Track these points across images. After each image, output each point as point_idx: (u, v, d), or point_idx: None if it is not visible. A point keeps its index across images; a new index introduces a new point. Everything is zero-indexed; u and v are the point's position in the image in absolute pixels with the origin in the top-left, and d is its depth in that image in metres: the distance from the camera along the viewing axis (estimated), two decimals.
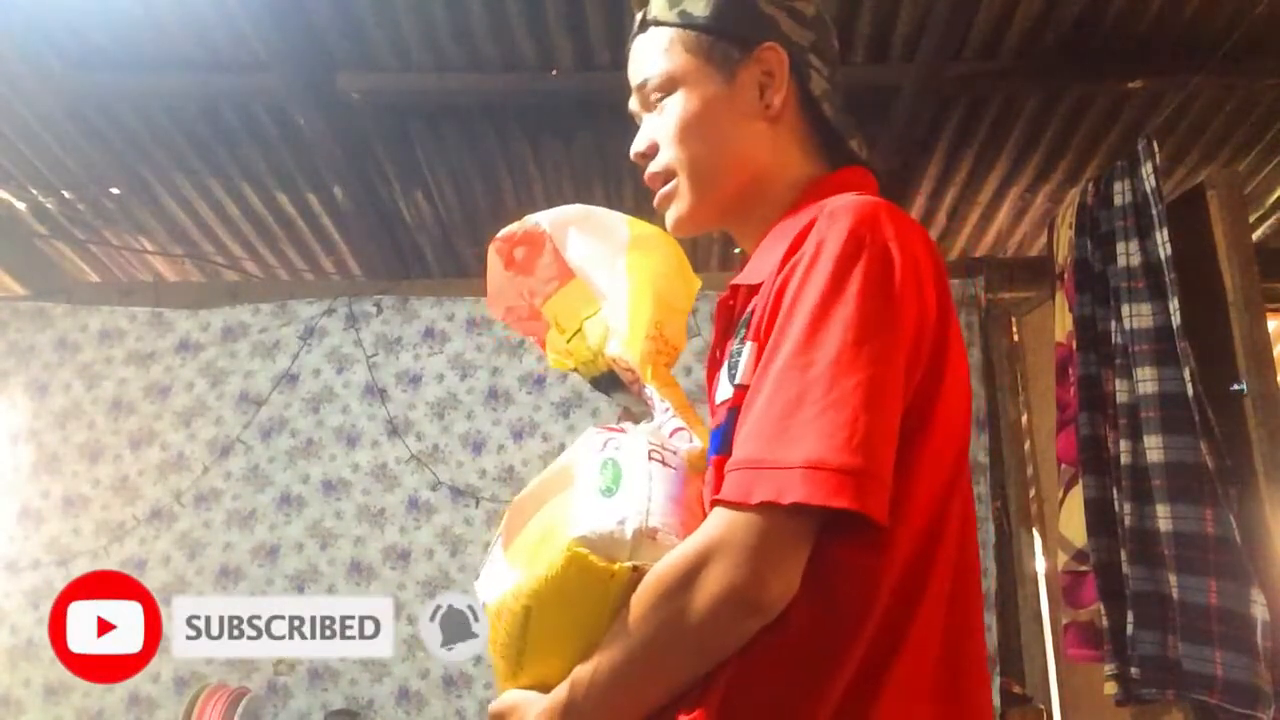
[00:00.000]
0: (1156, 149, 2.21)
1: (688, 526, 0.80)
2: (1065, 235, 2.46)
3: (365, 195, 3.05)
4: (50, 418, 3.12)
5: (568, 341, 1.04)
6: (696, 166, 0.94)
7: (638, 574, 0.77)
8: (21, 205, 3.19)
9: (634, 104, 1.00)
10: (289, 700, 2.92)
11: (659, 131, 0.96)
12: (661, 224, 1.02)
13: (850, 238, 0.77)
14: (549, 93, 2.71)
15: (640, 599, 0.76)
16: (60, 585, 2.94)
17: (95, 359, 3.16)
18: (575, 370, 1.05)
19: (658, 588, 0.75)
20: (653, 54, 0.95)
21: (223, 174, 3.09)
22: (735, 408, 0.80)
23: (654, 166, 0.97)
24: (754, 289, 0.85)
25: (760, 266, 0.86)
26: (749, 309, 0.84)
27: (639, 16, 0.98)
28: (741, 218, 0.97)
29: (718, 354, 0.91)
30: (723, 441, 0.80)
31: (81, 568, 2.99)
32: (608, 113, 2.80)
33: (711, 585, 0.72)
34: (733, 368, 0.82)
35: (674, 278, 1.05)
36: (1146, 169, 2.20)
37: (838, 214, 0.79)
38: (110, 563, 2.99)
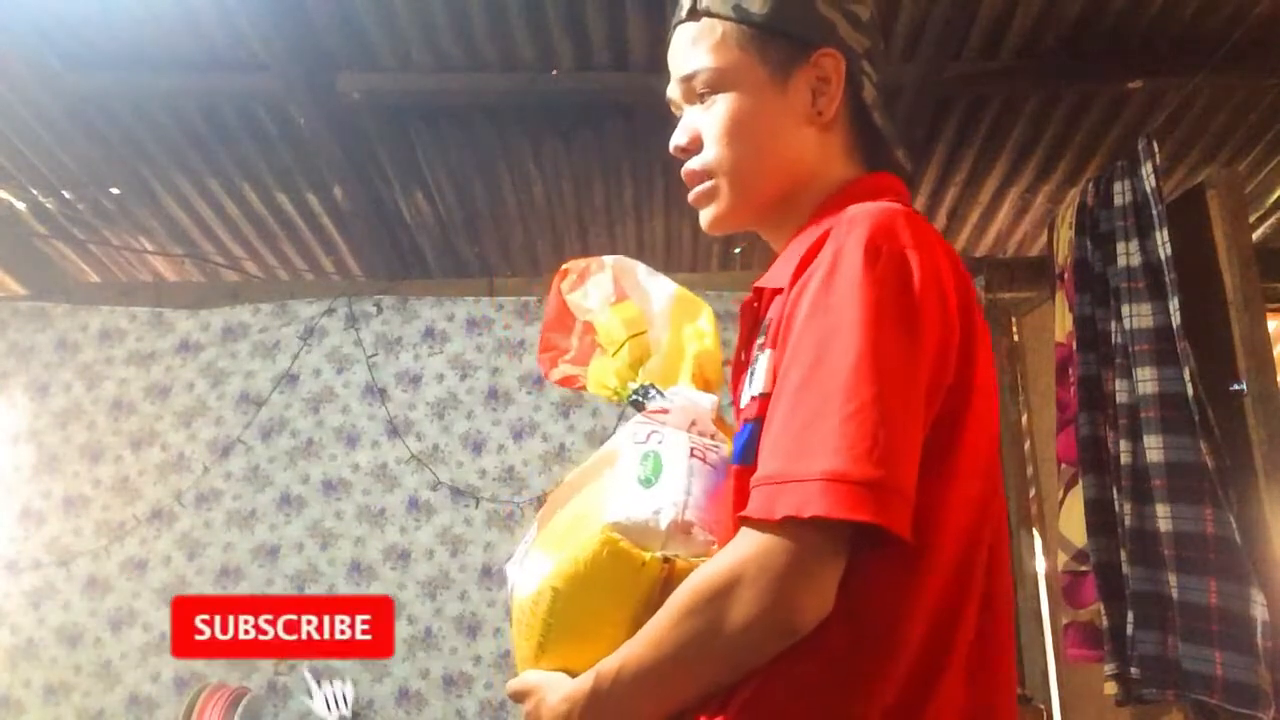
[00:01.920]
0: (1156, 149, 2.20)
1: (724, 525, 0.80)
2: (1065, 235, 2.46)
3: (365, 195, 3.05)
4: (51, 418, 3.12)
5: (613, 354, 1.06)
6: (740, 170, 0.91)
7: (669, 565, 0.78)
8: (21, 205, 3.19)
9: (674, 92, 0.96)
10: (289, 700, 2.92)
11: (705, 128, 0.92)
12: (688, 220, 1.03)
13: (868, 245, 0.75)
14: (549, 93, 2.70)
15: (673, 609, 0.75)
16: (61, 585, 2.96)
17: (95, 359, 3.16)
18: (615, 393, 1.06)
19: (690, 601, 0.74)
20: (703, 46, 0.91)
21: (223, 174, 3.09)
22: (754, 419, 0.79)
23: (694, 164, 0.93)
24: (776, 292, 0.84)
25: (782, 270, 0.85)
26: (769, 315, 0.83)
27: (686, 4, 0.94)
28: (777, 221, 0.95)
29: (743, 356, 0.90)
30: (744, 452, 0.79)
31: (82, 568, 2.99)
32: (608, 113, 2.80)
33: (743, 608, 0.71)
34: (753, 374, 0.82)
35: (708, 329, 1.07)
36: (1146, 169, 2.20)
37: (855, 221, 0.77)
38: (111, 563, 3.00)
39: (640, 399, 1.00)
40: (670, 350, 1.03)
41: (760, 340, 0.83)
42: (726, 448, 0.90)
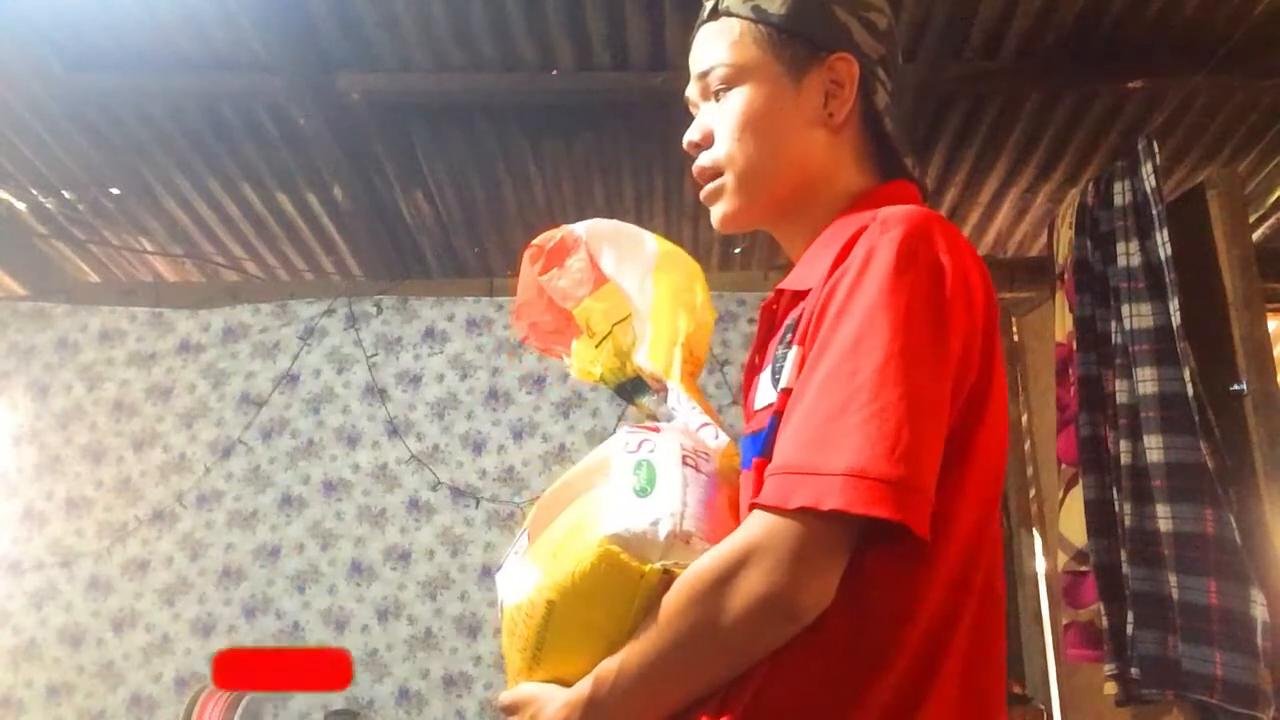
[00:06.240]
0: (1156, 149, 2.20)
1: (718, 534, 0.79)
2: (1065, 235, 2.46)
3: (365, 195, 3.05)
4: (52, 419, 3.12)
5: (597, 346, 1.04)
6: (750, 165, 0.91)
7: (668, 576, 0.77)
8: (21, 205, 3.19)
9: (692, 91, 0.98)
10: (289, 700, 2.92)
11: (717, 123, 0.93)
12: (688, 220, 1.01)
13: (902, 247, 0.75)
14: (549, 93, 2.70)
15: (674, 598, 0.75)
16: (63, 586, 2.97)
17: (96, 360, 3.16)
18: (600, 379, 1.04)
19: (693, 587, 0.74)
20: (721, 43, 0.93)
21: (223, 174, 3.09)
22: (778, 413, 0.79)
23: (704, 159, 0.94)
24: (800, 295, 0.84)
25: (808, 273, 0.85)
26: (795, 315, 0.83)
27: (708, 5, 0.96)
28: (788, 222, 0.95)
29: (757, 359, 0.90)
30: (765, 445, 0.79)
31: (85, 569, 2.99)
32: (608, 113, 2.80)
33: (747, 588, 0.71)
34: (777, 372, 0.82)
35: (697, 293, 1.05)
36: (1146, 169, 2.20)
37: (890, 222, 0.78)
38: (113, 564, 3.00)
39: (629, 390, 0.99)
40: (657, 331, 0.99)
41: (786, 338, 0.83)
42: (716, 444, 0.90)
